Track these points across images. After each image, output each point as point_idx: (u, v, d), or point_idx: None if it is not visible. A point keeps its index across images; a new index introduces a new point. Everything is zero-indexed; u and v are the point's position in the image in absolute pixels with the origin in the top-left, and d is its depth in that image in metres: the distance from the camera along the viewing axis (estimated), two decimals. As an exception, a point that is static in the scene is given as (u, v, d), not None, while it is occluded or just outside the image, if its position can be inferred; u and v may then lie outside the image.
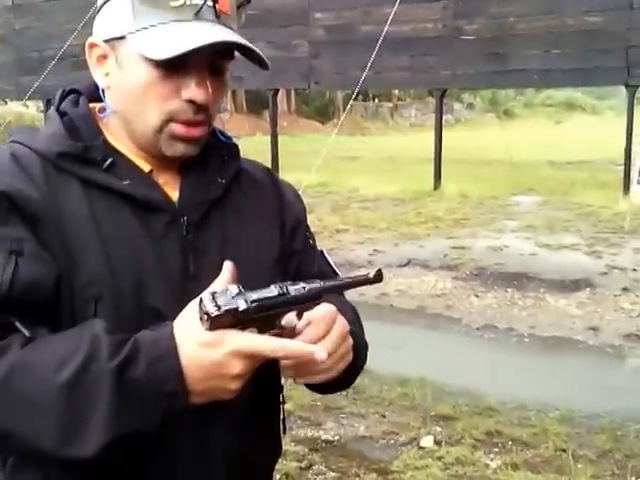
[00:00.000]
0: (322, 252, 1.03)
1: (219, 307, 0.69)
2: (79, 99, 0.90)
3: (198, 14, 0.80)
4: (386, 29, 9.09)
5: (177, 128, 0.83)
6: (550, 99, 32.27)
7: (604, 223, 7.78)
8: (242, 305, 0.70)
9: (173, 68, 0.80)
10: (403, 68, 10.10)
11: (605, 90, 29.38)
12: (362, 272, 0.83)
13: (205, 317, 0.69)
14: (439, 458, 2.97)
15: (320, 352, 0.72)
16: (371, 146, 18.23)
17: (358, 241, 7.26)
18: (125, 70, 0.83)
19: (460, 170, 11.18)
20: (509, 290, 5.63)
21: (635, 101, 9.16)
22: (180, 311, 0.75)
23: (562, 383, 3.90)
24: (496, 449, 3.10)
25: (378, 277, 0.79)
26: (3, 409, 0.70)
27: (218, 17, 0.81)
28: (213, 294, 0.70)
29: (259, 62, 0.86)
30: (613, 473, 2.88)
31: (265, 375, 0.81)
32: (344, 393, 3.72)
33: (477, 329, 4.89)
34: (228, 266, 0.77)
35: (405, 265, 6.34)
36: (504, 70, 9.49)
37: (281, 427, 0.97)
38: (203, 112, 0.83)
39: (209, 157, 0.91)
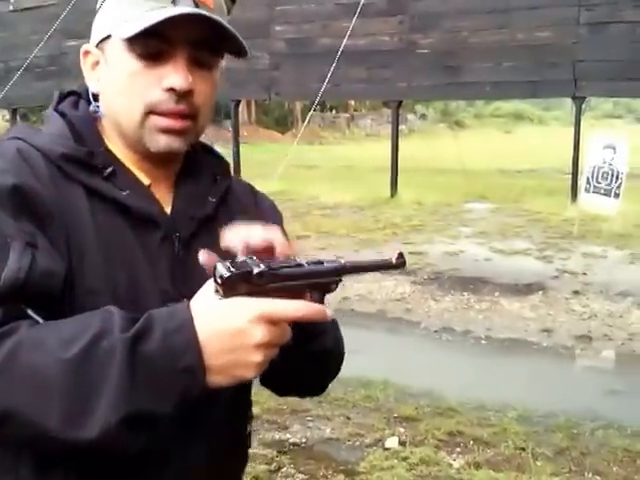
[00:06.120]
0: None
1: (232, 271, 0.66)
2: (79, 101, 0.89)
3: (175, 1, 0.80)
4: (344, 42, 9.24)
5: (158, 120, 0.82)
6: (499, 110, 33.23)
7: (554, 229, 8.04)
8: (256, 269, 0.66)
9: (153, 58, 0.80)
10: (360, 80, 10.28)
11: (551, 102, 30.44)
12: (385, 256, 0.78)
13: (219, 282, 0.66)
14: (404, 459, 3.01)
15: (329, 312, 0.71)
16: (329, 155, 18.34)
17: (320, 247, 7.30)
18: (111, 66, 0.83)
19: (415, 178, 11.39)
20: (465, 294, 5.76)
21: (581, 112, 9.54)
22: None
23: (519, 383, 4.00)
24: (458, 449, 3.16)
25: (401, 263, 0.75)
26: (7, 386, 0.65)
27: (197, 6, 0.81)
28: (228, 261, 0.67)
29: (238, 52, 0.86)
30: (570, 470, 2.96)
31: (238, 392, 0.80)
32: (310, 396, 3.75)
33: (435, 332, 4.98)
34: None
35: (365, 271, 6.41)
36: (458, 82, 9.74)
37: (248, 441, 0.97)
38: (185, 102, 0.81)
39: (202, 175, 0.90)
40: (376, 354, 4.45)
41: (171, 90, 0.81)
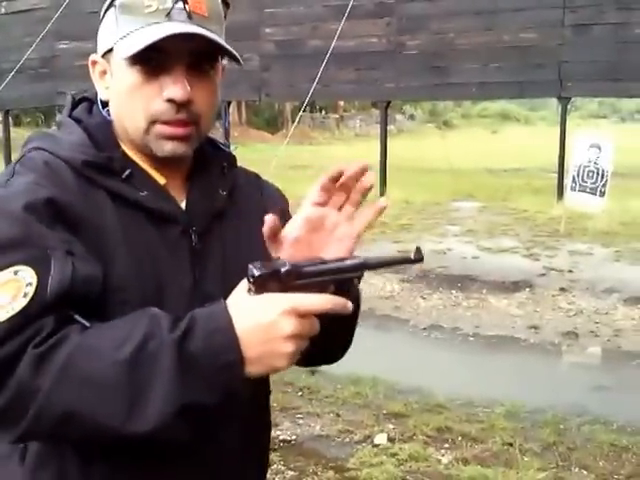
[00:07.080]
0: None
1: (262, 270, 0.72)
2: (92, 107, 0.94)
3: (169, 15, 0.84)
4: (333, 44, 9.28)
5: (162, 128, 0.87)
6: (486, 110, 33.45)
7: (540, 227, 8.13)
8: (284, 267, 0.72)
9: (153, 71, 0.85)
10: (350, 81, 10.33)
11: (537, 102, 30.66)
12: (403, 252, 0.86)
13: (251, 280, 0.72)
14: (393, 455, 3.04)
15: (350, 304, 0.76)
16: (319, 155, 18.37)
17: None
18: (115, 78, 0.89)
19: (403, 178, 11.44)
20: (453, 292, 5.82)
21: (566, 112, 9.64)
22: None
23: (506, 379, 4.04)
24: (447, 445, 3.18)
25: (419, 257, 0.83)
26: (65, 390, 0.71)
27: (191, 18, 0.85)
28: (259, 262, 0.73)
29: (234, 58, 0.90)
30: (557, 465, 2.99)
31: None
32: (299, 393, 3.77)
33: (424, 329, 5.02)
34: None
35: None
36: (445, 83, 9.80)
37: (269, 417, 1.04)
38: (185, 111, 0.86)
39: (211, 169, 0.96)
40: (365, 351, 4.47)
41: (171, 101, 0.85)
